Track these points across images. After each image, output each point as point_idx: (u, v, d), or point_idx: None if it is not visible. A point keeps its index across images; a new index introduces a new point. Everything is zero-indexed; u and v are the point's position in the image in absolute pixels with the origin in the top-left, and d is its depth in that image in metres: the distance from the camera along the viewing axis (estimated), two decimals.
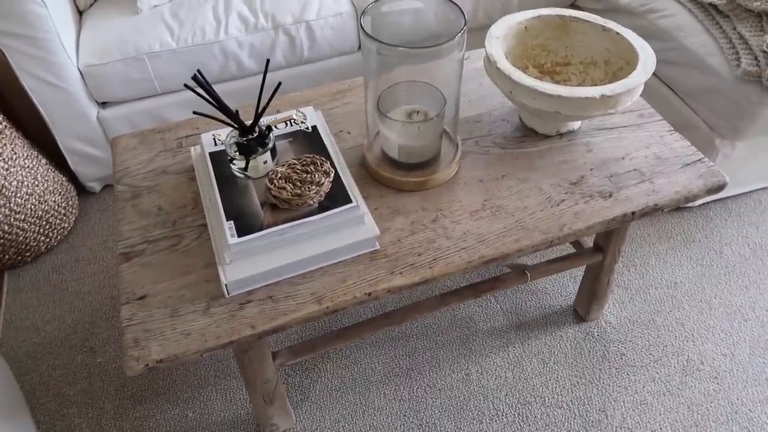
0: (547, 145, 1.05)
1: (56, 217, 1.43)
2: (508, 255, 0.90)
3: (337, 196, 0.88)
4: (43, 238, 1.42)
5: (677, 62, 1.36)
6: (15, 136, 1.36)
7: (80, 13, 1.49)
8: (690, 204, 1.48)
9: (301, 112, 1.02)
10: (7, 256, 1.38)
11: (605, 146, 1.04)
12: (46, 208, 1.40)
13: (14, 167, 1.33)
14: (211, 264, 0.89)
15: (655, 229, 1.46)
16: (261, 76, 1.50)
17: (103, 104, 1.44)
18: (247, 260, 0.85)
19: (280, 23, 1.42)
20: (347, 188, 0.89)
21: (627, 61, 1.02)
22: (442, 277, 0.88)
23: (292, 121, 1.00)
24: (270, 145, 0.91)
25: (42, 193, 1.39)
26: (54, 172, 1.46)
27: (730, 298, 1.31)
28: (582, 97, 0.91)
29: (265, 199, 0.89)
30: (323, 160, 0.91)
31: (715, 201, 1.51)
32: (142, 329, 0.83)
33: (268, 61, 0.85)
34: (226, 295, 0.85)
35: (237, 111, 0.88)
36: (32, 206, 1.36)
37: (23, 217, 1.35)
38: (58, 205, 1.44)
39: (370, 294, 0.85)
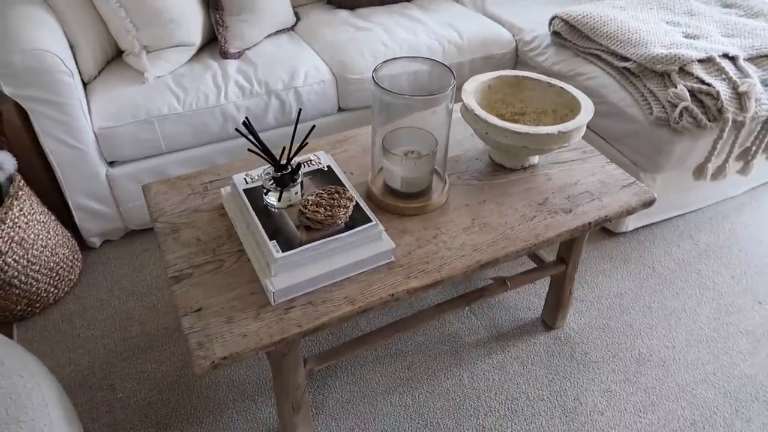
0: (515, 177, 1.29)
1: (65, 269, 1.53)
2: (498, 259, 1.11)
3: (358, 218, 1.07)
4: (52, 289, 1.50)
5: (604, 113, 1.68)
6: (31, 193, 1.47)
7: (84, 85, 1.65)
8: (624, 230, 1.77)
9: (317, 155, 1.22)
10: (18, 307, 1.45)
11: (561, 176, 1.30)
12: (57, 260, 1.50)
13: (32, 221, 1.43)
14: (252, 281, 1.05)
15: (599, 252, 1.72)
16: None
17: (112, 163, 1.58)
18: (289, 272, 1.02)
19: (273, 89, 1.64)
20: (366, 211, 1.09)
21: (571, 109, 1.30)
22: (448, 278, 1.07)
23: (310, 162, 1.20)
24: (300, 179, 1.10)
25: (54, 246, 1.49)
26: (61, 227, 1.56)
27: (666, 303, 1.58)
28: (544, 134, 1.16)
29: (298, 222, 1.07)
30: (345, 189, 1.10)
31: (643, 227, 1.81)
32: (203, 335, 0.96)
33: (300, 110, 1.06)
34: (272, 303, 1.01)
35: (284, 148, 1.07)
36: (45, 258, 1.46)
37: (38, 268, 1.44)
38: (66, 258, 1.53)
39: (393, 294, 1.03)
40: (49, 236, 1.48)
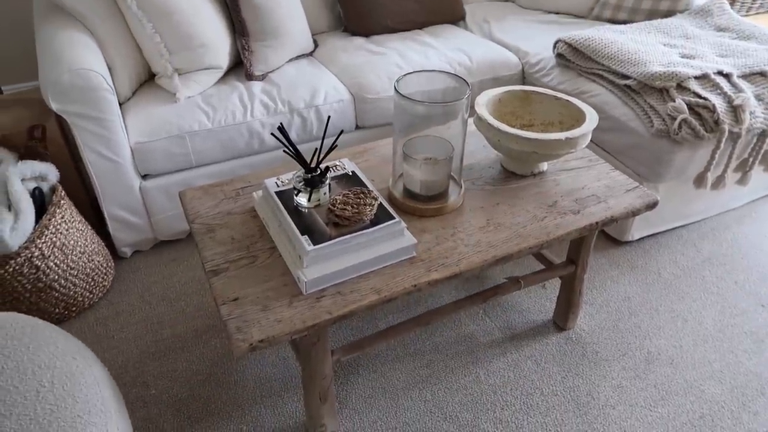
0: (526, 182, 1.38)
1: (99, 275, 1.61)
2: (512, 254, 1.19)
3: (381, 216, 1.16)
4: (88, 294, 1.58)
5: (607, 128, 1.77)
6: (70, 203, 1.56)
7: (119, 105, 1.76)
8: (630, 239, 1.84)
9: (341, 162, 1.31)
10: (57, 310, 1.53)
11: (568, 181, 1.39)
12: (93, 266, 1.58)
13: (71, 229, 1.52)
14: (285, 274, 1.13)
15: (606, 259, 1.80)
16: (279, 151, 1.80)
17: (145, 176, 1.69)
18: (320, 265, 1.10)
19: (295, 107, 1.75)
20: (389, 210, 1.18)
21: (576, 120, 1.39)
22: (467, 271, 1.15)
23: (336, 167, 1.30)
24: (328, 181, 1.19)
25: (90, 254, 1.58)
26: (96, 236, 1.66)
27: (672, 306, 1.64)
28: (553, 140, 1.26)
29: (327, 220, 1.16)
30: (370, 190, 1.19)
31: (648, 236, 1.88)
32: (241, 320, 1.04)
33: (329, 117, 1.15)
34: (304, 292, 1.09)
35: (315, 151, 1.16)
36: (83, 264, 1.55)
37: (76, 273, 1.53)
38: (101, 265, 1.62)
39: (415, 285, 1.11)
40: (86, 244, 1.57)
